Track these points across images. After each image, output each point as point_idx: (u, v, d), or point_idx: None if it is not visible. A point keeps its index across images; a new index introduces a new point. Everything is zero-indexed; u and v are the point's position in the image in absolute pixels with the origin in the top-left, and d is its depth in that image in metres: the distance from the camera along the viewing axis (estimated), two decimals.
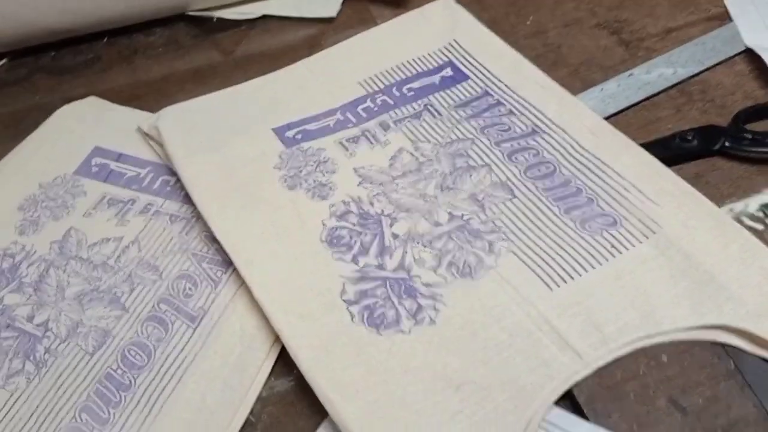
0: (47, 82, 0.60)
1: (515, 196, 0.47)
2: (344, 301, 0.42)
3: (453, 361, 0.40)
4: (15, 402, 0.40)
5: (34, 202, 0.50)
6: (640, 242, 0.43)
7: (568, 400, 0.38)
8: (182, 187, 0.49)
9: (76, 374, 0.41)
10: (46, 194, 0.51)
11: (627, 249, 0.43)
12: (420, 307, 0.42)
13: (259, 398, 0.40)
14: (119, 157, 0.53)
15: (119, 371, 0.41)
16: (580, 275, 0.42)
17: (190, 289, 0.44)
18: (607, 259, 0.43)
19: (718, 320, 0.39)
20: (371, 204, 0.47)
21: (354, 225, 0.46)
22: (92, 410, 0.39)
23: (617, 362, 0.39)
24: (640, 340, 0.39)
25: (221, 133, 0.52)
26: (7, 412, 0.39)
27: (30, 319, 0.44)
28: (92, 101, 0.57)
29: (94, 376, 0.41)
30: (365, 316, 0.42)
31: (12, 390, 0.40)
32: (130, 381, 0.40)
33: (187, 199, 0.49)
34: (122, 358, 0.41)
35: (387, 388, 0.39)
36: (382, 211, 0.47)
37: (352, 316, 0.42)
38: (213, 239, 0.46)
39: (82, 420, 0.39)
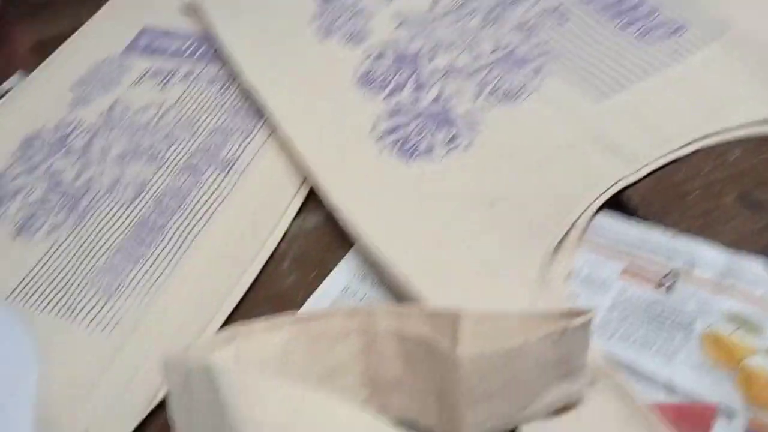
0: None
1: (567, 20, 0.42)
2: (374, 136, 0.40)
3: (487, 180, 0.36)
4: (57, 249, 0.40)
5: (85, 81, 0.51)
6: (707, 44, 0.37)
7: (619, 209, 0.33)
8: (221, 53, 0.48)
9: (114, 221, 0.41)
10: (96, 73, 0.51)
11: (691, 53, 0.37)
12: (455, 135, 0.39)
13: (289, 234, 0.39)
14: (165, 34, 0.53)
15: (153, 216, 0.40)
16: (634, 83, 0.37)
17: (224, 140, 0.43)
18: (668, 66, 0.37)
19: None
20: (409, 44, 0.44)
21: (389, 65, 0.43)
22: (126, 251, 0.39)
23: (678, 163, 0.34)
24: (704, 138, 0.34)
25: None
26: (49, 258, 0.40)
27: (75, 178, 0.44)
28: None
29: (130, 222, 0.41)
30: (395, 148, 0.39)
31: (55, 239, 0.41)
32: (163, 224, 0.40)
33: (226, 63, 0.48)
34: (157, 205, 0.41)
35: (414, 211, 0.36)
36: (421, 49, 0.44)
37: (382, 150, 0.39)
38: (248, 94, 0.45)
39: (116, 259, 0.39)
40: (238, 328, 0.29)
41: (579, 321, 0.25)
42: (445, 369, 0.26)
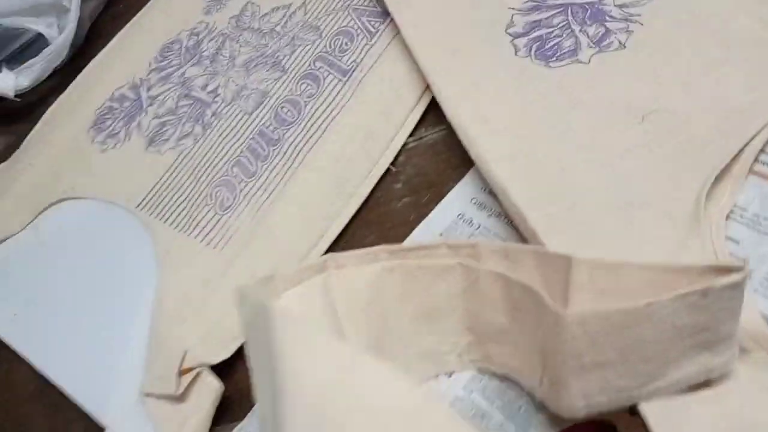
0: None
1: None
2: (509, 34, 0.34)
3: (642, 87, 0.29)
4: (182, 160, 0.40)
5: None
6: None
7: None
8: None
9: (234, 133, 0.39)
10: None
11: None
12: (607, 32, 0.32)
13: (405, 149, 0.35)
14: None
15: (271, 127, 0.38)
16: None
17: (346, 44, 0.40)
18: None
19: None
20: None
21: None
22: (243, 164, 0.38)
23: None
24: None
25: None
26: (174, 169, 0.40)
27: (204, 87, 0.43)
28: None
29: (249, 134, 0.39)
30: (533, 48, 0.33)
31: (181, 150, 0.40)
32: (279, 136, 0.38)
33: None
34: (275, 116, 0.39)
35: (544, 122, 0.30)
36: None
37: (516, 50, 0.33)
38: None
39: (233, 173, 0.37)
40: (331, 257, 0.26)
41: (728, 280, 0.19)
42: (550, 327, 0.21)
